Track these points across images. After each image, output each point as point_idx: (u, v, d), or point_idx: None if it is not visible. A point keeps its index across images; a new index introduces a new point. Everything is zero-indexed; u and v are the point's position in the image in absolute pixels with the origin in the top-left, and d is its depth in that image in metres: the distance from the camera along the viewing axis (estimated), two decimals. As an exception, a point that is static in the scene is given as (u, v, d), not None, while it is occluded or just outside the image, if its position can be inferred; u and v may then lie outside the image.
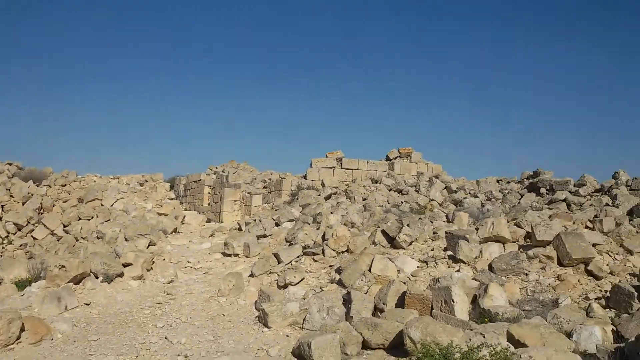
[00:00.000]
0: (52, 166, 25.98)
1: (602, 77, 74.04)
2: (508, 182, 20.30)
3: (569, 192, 15.42)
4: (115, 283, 10.90)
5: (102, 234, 15.14)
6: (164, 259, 13.32)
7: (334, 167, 21.50)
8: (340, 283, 10.00)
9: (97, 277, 10.84)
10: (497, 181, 20.70)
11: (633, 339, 5.89)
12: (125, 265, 11.58)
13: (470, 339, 5.81)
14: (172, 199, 25.87)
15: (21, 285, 10.28)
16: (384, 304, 8.38)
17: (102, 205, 20.59)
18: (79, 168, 30.57)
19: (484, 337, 5.89)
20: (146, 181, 28.00)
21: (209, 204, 22.82)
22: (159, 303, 10.04)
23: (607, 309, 7.92)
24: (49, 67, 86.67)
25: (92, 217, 18.24)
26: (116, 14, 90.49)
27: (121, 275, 11.20)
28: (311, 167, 21.28)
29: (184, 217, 20.00)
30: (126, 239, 14.21)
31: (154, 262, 12.63)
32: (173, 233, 17.53)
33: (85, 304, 9.65)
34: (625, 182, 15.05)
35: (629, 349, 5.77)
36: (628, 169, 15.97)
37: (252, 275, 11.57)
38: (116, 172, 30.04)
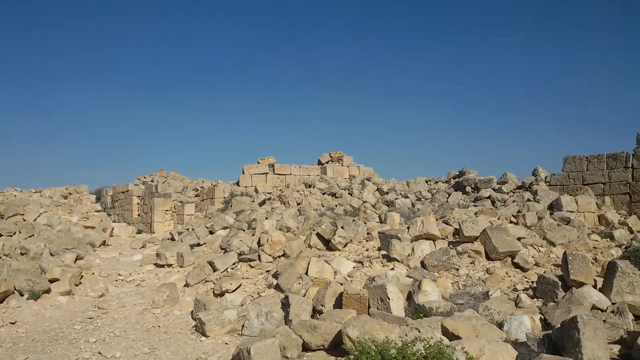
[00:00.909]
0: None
1: (522, 75, 78.08)
2: (436, 182, 21.03)
3: (493, 189, 16.17)
4: (42, 300, 10.35)
5: (26, 249, 14.30)
6: (93, 273, 12.79)
7: (267, 173, 21.46)
8: (277, 287, 10.00)
9: (22, 295, 10.25)
10: (426, 181, 21.38)
11: (559, 325, 6.25)
12: (52, 280, 11.02)
13: (406, 334, 5.97)
14: (98, 211, 24.82)
15: None
16: (322, 305, 8.45)
17: (24, 220, 19.44)
18: (-5, 182, 28.80)
19: (419, 331, 6.06)
20: (70, 194, 26.72)
21: (138, 215, 22.14)
22: (90, 318, 9.63)
23: (535, 299, 8.37)
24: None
25: (14, 233, 17.16)
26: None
27: (48, 291, 10.65)
28: (243, 173, 21.12)
29: (113, 229, 19.29)
30: (52, 254, 13.51)
31: (82, 276, 12.10)
32: (102, 246, 16.86)
33: (10, 322, 9.10)
34: (544, 178, 15.96)
35: (556, 334, 6.12)
36: (546, 166, 16.94)
37: (187, 285, 11.33)
38: (37, 185, 28.57)
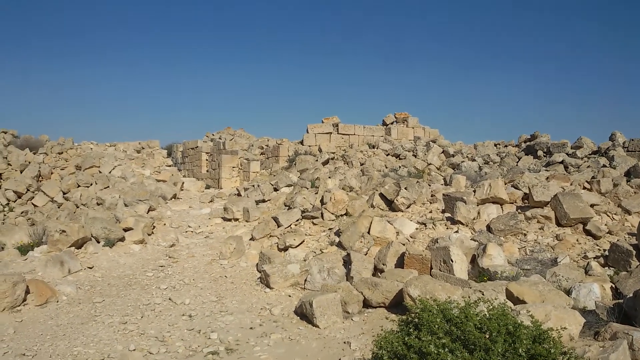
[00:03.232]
0: (47, 134, 25.86)
1: (600, 39, 73.24)
2: (506, 146, 20.36)
3: (566, 154, 15.48)
4: (117, 247, 10.99)
5: (102, 200, 15.16)
6: (165, 224, 13.41)
7: (331, 133, 21.45)
8: (339, 245, 10.12)
9: (98, 242, 10.92)
10: (495, 145, 20.75)
11: (631, 295, 6.01)
12: (126, 229, 11.67)
13: (469, 296, 5.91)
14: (169, 166, 25.85)
15: (23, 250, 10.35)
16: (383, 264, 8.50)
17: (100, 172, 20.56)
18: (74, 135, 30.45)
19: (482, 294, 5.99)
20: (143, 148, 27.92)
21: (207, 171, 22.83)
22: (161, 266, 10.16)
23: (606, 267, 8.05)
24: (44, 36, 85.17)
25: (91, 184, 18.22)
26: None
27: (122, 239, 11.29)
28: (307, 133, 21.23)
29: (183, 183, 20.03)
30: (126, 205, 14.26)
31: (154, 226, 12.71)
32: (172, 199, 17.58)
33: (88, 267, 9.74)
34: (622, 143, 15.10)
35: (627, 304, 5.89)
36: (624, 131, 16.02)
37: (252, 238, 11.68)
38: (112, 139, 29.94)
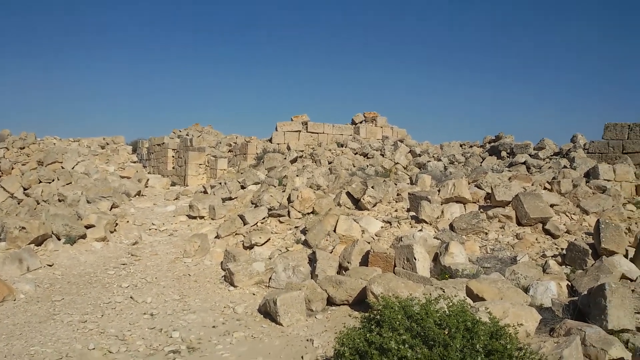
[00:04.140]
0: (9, 128, 25.11)
1: (562, 41, 75.20)
2: (471, 146, 20.71)
3: (529, 155, 15.84)
4: (78, 244, 10.77)
5: (64, 196, 14.80)
6: (128, 221, 13.19)
7: (300, 131, 21.45)
8: (305, 243, 10.14)
9: (59, 239, 10.68)
10: (460, 145, 21.08)
11: (586, 292, 6.19)
12: (88, 226, 11.43)
13: (430, 293, 6.00)
14: (134, 162, 25.44)
15: (-20, 247, 10.04)
16: (348, 262, 8.55)
17: (62, 168, 20.09)
18: (37, 130, 29.65)
19: (443, 291, 6.09)
20: (107, 144, 27.41)
21: (173, 168, 22.55)
22: (123, 264, 10.00)
23: (563, 266, 8.26)
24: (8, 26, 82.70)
25: (53, 180, 17.77)
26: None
27: (84, 236, 11.07)
28: (276, 130, 21.18)
29: (148, 180, 19.74)
30: (88, 201, 13.96)
31: (117, 224, 12.49)
32: (137, 196, 17.31)
33: (47, 265, 9.52)
34: (583, 145, 15.53)
35: (581, 301, 6.06)
36: (586, 133, 16.47)
37: (217, 236, 11.59)
38: (76, 134, 29.27)
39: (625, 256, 7.95)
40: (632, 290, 6.41)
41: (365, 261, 8.39)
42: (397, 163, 17.80)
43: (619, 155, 13.91)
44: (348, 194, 12.25)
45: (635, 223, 10.15)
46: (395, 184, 13.42)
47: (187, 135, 24.85)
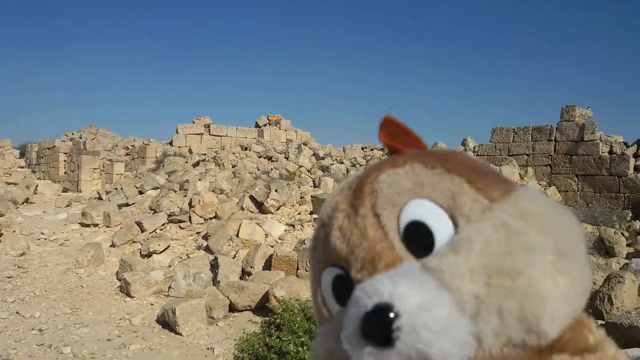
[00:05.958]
0: None
1: (455, 46, 79.86)
2: (372, 150, 21.32)
3: (425, 157, 16.57)
4: (-47, 259, 9.81)
5: (-63, 206, 13.44)
6: (14, 231, 12.19)
7: (202, 134, 20.98)
8: (207, 249, 9.91)
9: None
10: (362, 148, 21.63)
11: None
12: (-34, 239, 10.44)
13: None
14: (22, 167, 23.69)
15: None
16: (251, 267, 8.47)
17: None
18: None
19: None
20: (-10, 148, 25.26)
21: (65, 173, 21.20)
22: (9, 277, 9.22)
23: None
24: None
25: None
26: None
27: (-40, 250, 10.09)
28: (177, 133, 20.56)
29: (37, 186, 18.38)
30: (-34, 211, 12.79)
31: (2, 234, 11.51)
32: (24, 203, 16.06)
33: None
34: (473, 148, 16.49)
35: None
36: (476, 137, 17.49)
37: (113, 245, 11.03)
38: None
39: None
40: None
41: (268, 265, 8.36)
42: (301, 166, 17.93)
43: (505, 157, 14.92)
44: (251, 197, 12.15)
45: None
46: (299, 187, 13.51)
47: (80, 138, 23.44)
